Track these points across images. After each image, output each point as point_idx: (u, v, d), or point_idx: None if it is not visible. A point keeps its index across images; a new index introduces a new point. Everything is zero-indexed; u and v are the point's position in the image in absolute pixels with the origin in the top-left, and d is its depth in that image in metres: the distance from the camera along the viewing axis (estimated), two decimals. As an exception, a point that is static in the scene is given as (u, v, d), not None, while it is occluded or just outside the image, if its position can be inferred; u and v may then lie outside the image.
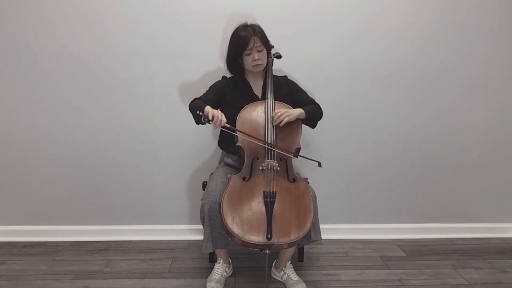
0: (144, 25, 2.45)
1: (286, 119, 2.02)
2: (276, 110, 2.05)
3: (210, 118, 1.88)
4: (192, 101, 2.08)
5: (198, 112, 1.91)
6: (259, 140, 2.02)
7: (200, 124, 2.04)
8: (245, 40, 2.06)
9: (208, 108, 1.94)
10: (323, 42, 2.53)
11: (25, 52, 2.45)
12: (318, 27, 2.50)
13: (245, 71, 2.24)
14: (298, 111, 2.09)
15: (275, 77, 2.26)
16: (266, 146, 2.01)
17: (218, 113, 1.90)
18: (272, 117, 2.06)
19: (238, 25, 2.14)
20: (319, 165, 1.99)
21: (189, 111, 2.07)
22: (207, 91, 2.19)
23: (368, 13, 2.50)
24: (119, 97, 2.55)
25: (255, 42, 2.07)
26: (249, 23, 2.14)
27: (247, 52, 2.08)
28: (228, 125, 1.93)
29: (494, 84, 2.66)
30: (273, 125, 2.06)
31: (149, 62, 2.50)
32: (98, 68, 2.49)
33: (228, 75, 2.31)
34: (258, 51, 2.09)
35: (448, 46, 2.58)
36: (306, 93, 2.29)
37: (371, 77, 2.60)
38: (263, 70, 2.25)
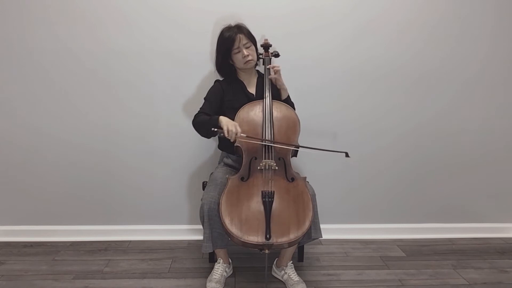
0: (145, 24, 2.45)
1: (278, 72, 2.14)
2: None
3: (226, 134, 1.89)
4: (195, 118, 2.08)
5: (213, 129, 1.91)
6: (261, 140, 2.02)
7: (210, 137, 2.06)
8: (231, 38, 2.09)
9: (223, 120, 1.94)
10: (323, 42, 2.53)
11: (26, 52, 2.45)
12: (318, 27, 2.50)
13: (237, 70, 2.25)
14: (285, 86, 2.22)
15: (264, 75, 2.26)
16: (264, 143, 2.01)
17: (232, 126, 1.90)
18: (269, 69, 2.17)
19: (222, 28, 2.18)
20: (347, 155, 1.96)
21: (192, 126, 2.10)
22: (205, 102, 2.18)
23: (368, 13, 2.50)
24: (118, 97, 2.55)
25: (241, 39, 2.10)
26: (232, 24, 2.17)
27: (235, 50, 2.11)
28: (244, 135, 1.94)
29: (494, 84, 2.66)
30: (271, 123, 2.05)
31: (149, 62, 2.50)
32: (97, 68, 2.50)
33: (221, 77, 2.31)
34: (247, 48, 2.12)
35: (449, 46, 2.58)
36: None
37: (371, 78, 2.60)
38: (255, 67, 2.26)
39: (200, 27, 2.46)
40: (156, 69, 2.52)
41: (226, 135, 1.89)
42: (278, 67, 2.15)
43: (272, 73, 2.15)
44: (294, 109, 2.24)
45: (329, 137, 2.67)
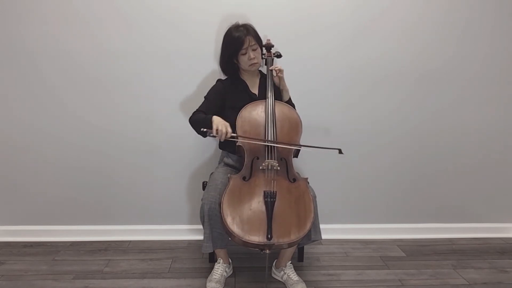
0: (143, 25, 2.45)
1: (281, 72, 2.15)
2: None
3: (214, 133, 1.90)
4: (192, 115, 2.10)
5: (202, 129, 1.93)
6: (261, 140, 2.01)
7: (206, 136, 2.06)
8: (240, 40, 2.07)
9: (215, 120, 1.95)
10: (325, 42, 2.53)
11: (24, 53, 2.44)
12: (320, 28, 2.50)
13: (240, 70, 2.25)
14: (287, 87, 2.23)
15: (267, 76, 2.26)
16: (267, 143, 2.01)
17: (222, 126, 1.91)
18: (271, 70, 2.16)
19: (230, 26, 2.15)
20: (340, 151, 1.98)
21: (189, 123, 2.10)
22: (204, 101, 2.18)
23: (369, 14, 2.50)
24: (118, 97, 2.55)
25: (250, 41, 2.09)
26: (240, 23, 2.15)
27: (243, 51, 2.10)
28: (234, 134, 1.95)
29: (495, 85, 2.67)
30: (274, 124, 2.05)
31: (148, 62, 2.50)
32: (96, 69, 2.49)
33: (223, 77, 2.30)
34: (253, 50, 2.11)
35: (450, 46, 2.58)
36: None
37: (372, 78, 2.61)
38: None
39: (201, 28, 2.45)
40: (155, 70, 2.51)
41: (215, 133, 1.90)
42: (281, 67, 2.15)
43: (274, 73, 2.15)
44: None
45: (330, 136, 2.67)
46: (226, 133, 1.91)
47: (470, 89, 2.66)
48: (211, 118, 1.98)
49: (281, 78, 2.18)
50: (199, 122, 2.02)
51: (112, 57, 2.48)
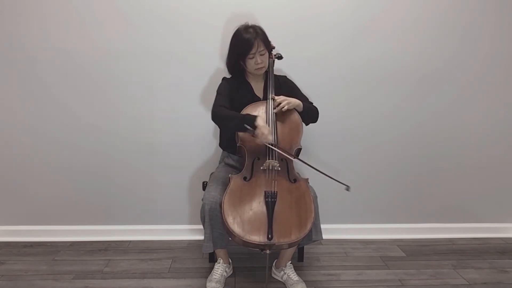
0: (142, 25, 2.44)
1: (286, 106, 2.02)
2: (277, 97, 2.05)
3: (254, 134, 1.88)
4: (219, 110, 1.99)
5: (246, 125, 1.87)
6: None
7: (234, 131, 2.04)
8: (249, 43, 2.01)
9: (259, 122, 1.89)
10: (325, 42, 2.52)
11: (24, 53, 2.44)
12: (320, 28, 2.50)
13: (246, 72, 2.22)
14: (297, 102, 2.09)
15: (275, 76, 2.24)
16: (269, 146, 2.00)
17: (267, 131, 1.89)
18: (273, 102, 2.06)
19: (239, 26, 2.10)
20: (347, 189, 1.96)
21: (214, 116, 2.01)
22: (219, 95, 2.12)
23: (369, 14, 2.50)
24: (118, 98, 2.54)
25: (259, 46, 2.03)
26: (250, 23, 2.10)
27: (251, 55, 2.04)
28: (273, 143, 1.94)
29: (495, 85, 2.67)
30: (274, 125, 2.05)
31: (148, 63, 2.49)
32: (96, 69, 2.49)
33: (227, 75, 2.29)
34: (261, 55, 2.06)
35: (450, 46, 2.58)
36: (304, 96, 2.28)
37: (372, 78, 2.61)
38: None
39: (201, 28, 2.45)
40: (155, 70, 2.51)
41: (254, 134, 1.88)
42: (282, 103, 2.04)
43: (276, 110, 2.07)
44: (318, 112, 2.22)
45: (330, 137, 2.67)
46: (267, 139, 1.89)
47: (470, 89, 2.67)
48: (256, 117, 1.91)
49: (289, 106, 2.07)
50: (236, 118, 1.95)
51: (112, 57, 2.47)
